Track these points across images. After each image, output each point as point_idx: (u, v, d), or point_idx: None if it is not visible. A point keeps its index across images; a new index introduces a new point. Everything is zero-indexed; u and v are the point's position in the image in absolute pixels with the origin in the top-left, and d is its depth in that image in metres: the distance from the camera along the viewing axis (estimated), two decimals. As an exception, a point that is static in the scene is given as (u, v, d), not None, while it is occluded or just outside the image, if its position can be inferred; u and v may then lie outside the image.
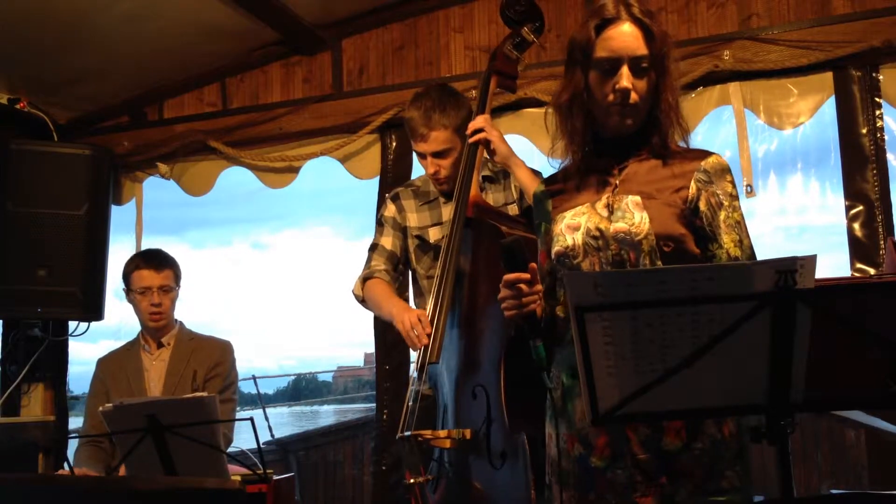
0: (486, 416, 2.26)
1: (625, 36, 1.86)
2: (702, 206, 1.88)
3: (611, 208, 1.90)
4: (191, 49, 3.98)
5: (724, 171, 1.93)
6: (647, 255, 1.84)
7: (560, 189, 2.02)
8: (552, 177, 2.07)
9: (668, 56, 1.89)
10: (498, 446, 2.22)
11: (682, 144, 1.97)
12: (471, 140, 2.62)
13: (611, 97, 1.87)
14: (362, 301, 2.87)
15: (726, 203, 1.89)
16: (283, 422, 16.35)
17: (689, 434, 1.81)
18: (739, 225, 1.89)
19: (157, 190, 4.33)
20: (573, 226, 1.92)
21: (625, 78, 1.85)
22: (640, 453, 1.81)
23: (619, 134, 1.93)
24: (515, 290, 1.82)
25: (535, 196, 2.10)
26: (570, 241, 1.91)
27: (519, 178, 2.63)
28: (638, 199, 1.88)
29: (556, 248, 1.93)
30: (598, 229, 1.88)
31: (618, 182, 1.93)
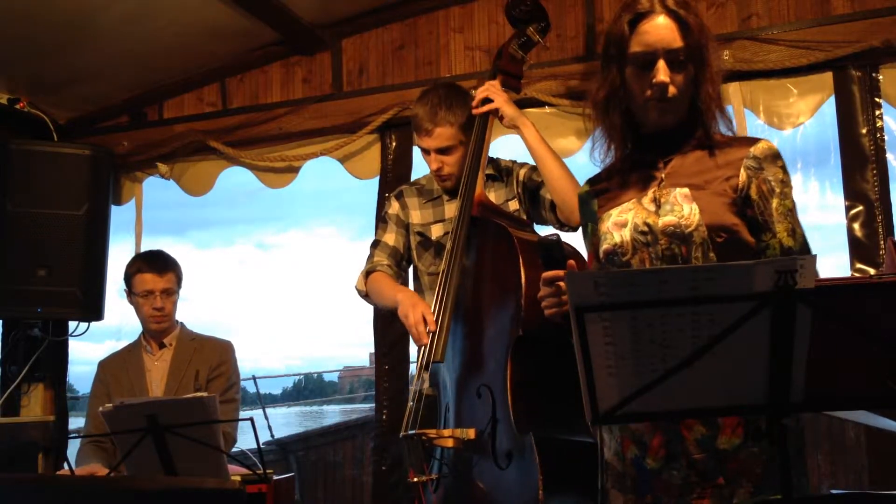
0: (492, 415, 2.25)
1: (660, 29, 1.82)
2: (753, 194, 1.84)
3: (658, 202, 1.87)
4: (191, 49, 3.98)
5: (775, 156, 1.88)
6: (699, 247, 1.80)
7: (605, 188, 1.99)
8: (596, 176, 2.05)
9: (705, 47, 1.85)
10: (504, 446, 2.22)
11: (727, 134, 1.93)
12: (478, 111, 2.63)
13: (648, 92, 1.83)
14: (365, 296, 2.87)
15: (778, 190, 1.84)
16: (289, 422, 16.36)
17: (746, 432, 1.76)
18: (792, 213, 1.85)
19: (160, 190, 4.34)
20: (620, 223, 1.89)
21: (661, 72, 1.81)
22: (696, 453, 1.77)
23: (659, 129, 1.89)
24: (555, 287, 1.80)
25: (580, 197, 2.08)
26: (618, 239, 1.88)
27: (526, 139, 2.63)
28: (686, 191, 1.84)
29: (604, 247, 1.91)
30: (647, 224, 1.85)
31: (663, 176, 1.90)
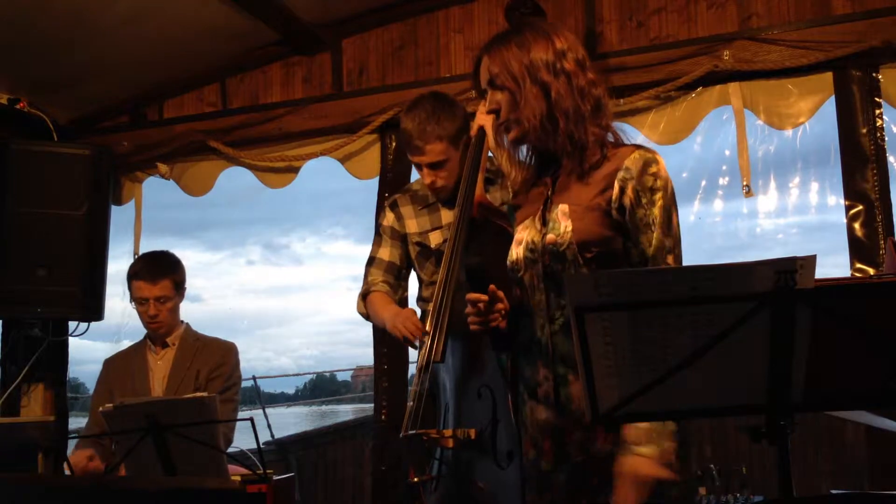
0: (492, 416, 2.26)
1: (482, 67, 2.01)
2: (626, 204, 1.84)
3: (545, 220, 1.92)
4: (191, 49, 3.98)
5: (647, 163, 1.85)
6: (572, 264, 1.84)
7: (518, 203, 2.06)
8: (516, 191, 2.10)
9: (522, 75, 1.90)
10: (505, 446, 2.22)
11: (622, 141, 1.95)
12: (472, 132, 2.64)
13: None
14: (367, 317, 2.88)
15: (644, 199, 1.82)
16: (301, 420, 16.34)
17: (616, 438, 1.81)
18: (655, 220, 1.82)
19: (168, 191, 4.34)
20: (518, 240, 1.97)
21: (486, 101, 1.98)
22: (577, 456, 1.85)
23: (535, 145, 1.96)
24: (476, 308, 1.91)
25: (507, 209, 2.16)
26: (514, 256, 1.96)
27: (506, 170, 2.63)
28: (566, 207, 1.88)
29: (507, 262, 1.99)
30: (534, 242, 1.92)
31: (550, 193, 1.95)
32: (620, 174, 1.85)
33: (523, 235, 1.95)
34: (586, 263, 1.83)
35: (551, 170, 1.98)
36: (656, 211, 1.82)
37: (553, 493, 1.89)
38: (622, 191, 1.84)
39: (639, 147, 1.90)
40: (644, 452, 1.74)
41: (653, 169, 1.85)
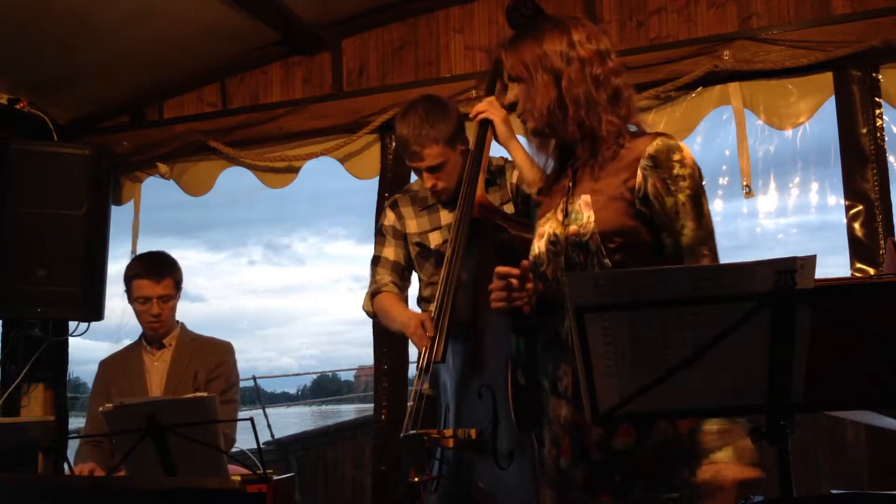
0: (493, 416, 2.26)
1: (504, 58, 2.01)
2: (650, 193, 1.82)
3: (567, 212, 1.91)
4: (191, 49, 3.98)
5: (670, 151, 1.83)
6: (594, 255, 1.83)
7: (541, 200, 2.06)
8: (539, 188, 2.11)
9: (534, 66, 1.91)
10: (505, 446, 2.22)
11: (637, 131, 1.94)
12: (474, 119, 2.64)
13: None
14: (374, 316, 2.88)
15: (673, 187, 1.80)
16: (304, 420, 16.40)
17: (640, 432, 1.81)
18: (685, 207, 1.80)
19: (168, 191, 4.34)
20: (540, 233, 1.96)
21: (508, 90, 2.01)
22: (595, 454, 1.84)
23: (551, 135, 1.97)
24: (506, 282, 1.87)
25: (530, 204, 2.17)
26: (536, 250, 1.96)
27: (517, 162, 2.63)
28: (588, 198, 1.87)
29: (530, 257, 1.98)
30: (555, 235, 1.91)
31: (570, 184, 1.95)
32: (643, 162, 1.83)
33: (545, 228, 1.94)
34: (610, 254, 1.82)
35: (571, 161, 1.97)
36: (684, 198, 1.80)
37: (572, 491, 1.87)
38: (645, 179, 1.83)
39: (660, 134, 1.88)
40: (721, 458, 1.72)
41: (677, 156, 1.82)
